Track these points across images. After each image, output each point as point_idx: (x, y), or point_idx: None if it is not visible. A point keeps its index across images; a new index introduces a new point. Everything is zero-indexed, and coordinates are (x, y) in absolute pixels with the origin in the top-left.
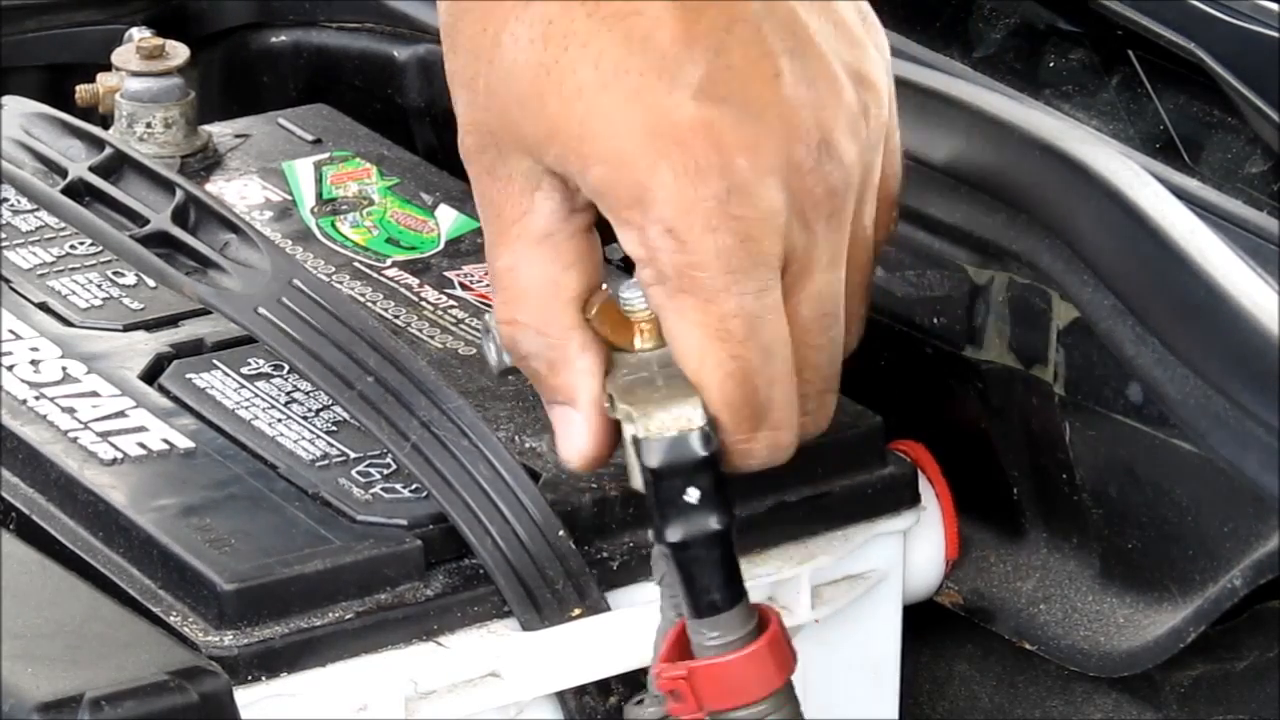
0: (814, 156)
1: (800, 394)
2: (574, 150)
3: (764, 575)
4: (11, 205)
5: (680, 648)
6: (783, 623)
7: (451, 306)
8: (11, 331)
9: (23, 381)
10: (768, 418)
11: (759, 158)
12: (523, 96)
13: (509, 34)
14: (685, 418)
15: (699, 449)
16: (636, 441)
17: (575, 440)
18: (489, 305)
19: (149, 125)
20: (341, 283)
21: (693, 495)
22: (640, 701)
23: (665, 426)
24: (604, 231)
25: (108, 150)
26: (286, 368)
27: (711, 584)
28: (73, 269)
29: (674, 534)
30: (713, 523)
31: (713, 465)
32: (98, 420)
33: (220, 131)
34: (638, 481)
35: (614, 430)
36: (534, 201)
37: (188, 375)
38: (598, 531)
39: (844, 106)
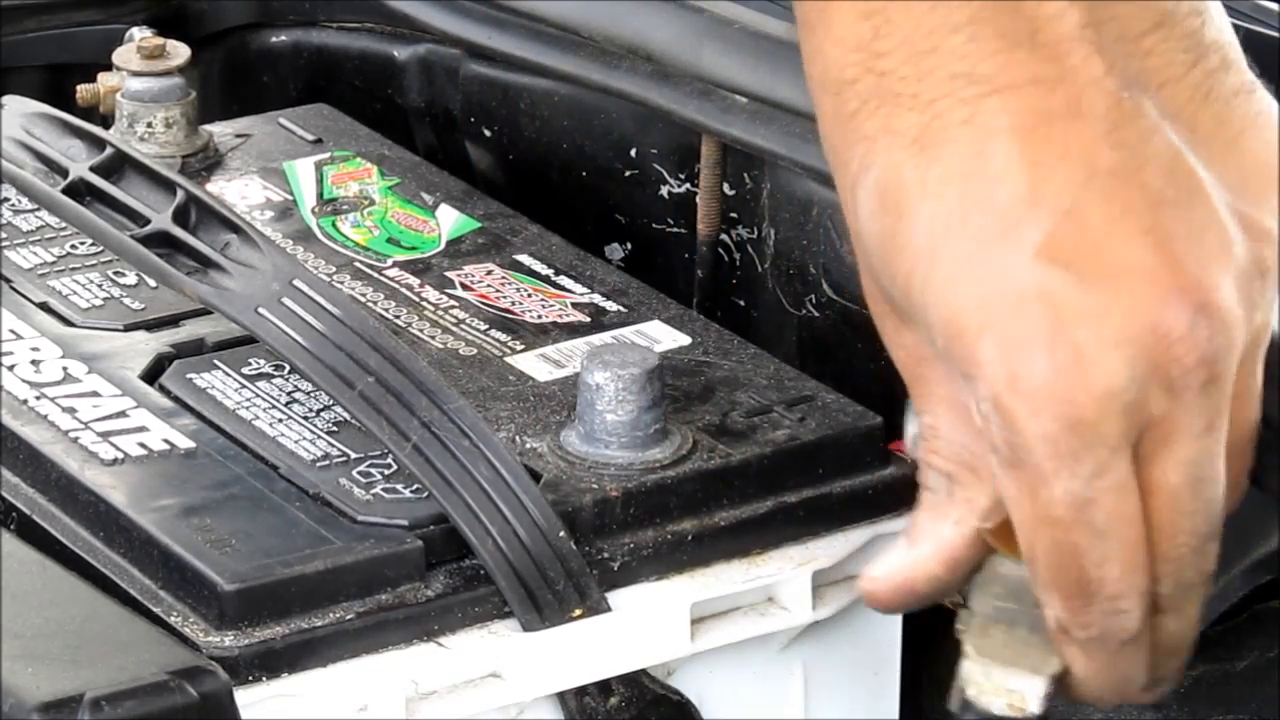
0: (1186, 321)
1: (1173, 556)
2: (922, 320)
3: (764, 575)
4: (12, 205)
5: None
6: None
7: (452, 307)
8: (12, 331)
9: (23, 381)
10: (1100, 595)
11: (1104, 329)
12: (878, 266)
13: (857, 198)
14: (1020, 695)
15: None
16: (963, 694)
17: (881, 566)
18: (490, 306)
19: (150, 125)
20: (342, 283)
21: None
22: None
23: (996, 690)
24: None
25: (108, 150)
26: (287, 368)
27: None
28: (73, 269)
29: None
30: None
31: None
32: (98, 420)
33: (221, 131)
34: (955, 705)
35: (922, 583)
36: (936, 367)
37: (188, 375)
38: (599, 532)
39: (1233, 261)
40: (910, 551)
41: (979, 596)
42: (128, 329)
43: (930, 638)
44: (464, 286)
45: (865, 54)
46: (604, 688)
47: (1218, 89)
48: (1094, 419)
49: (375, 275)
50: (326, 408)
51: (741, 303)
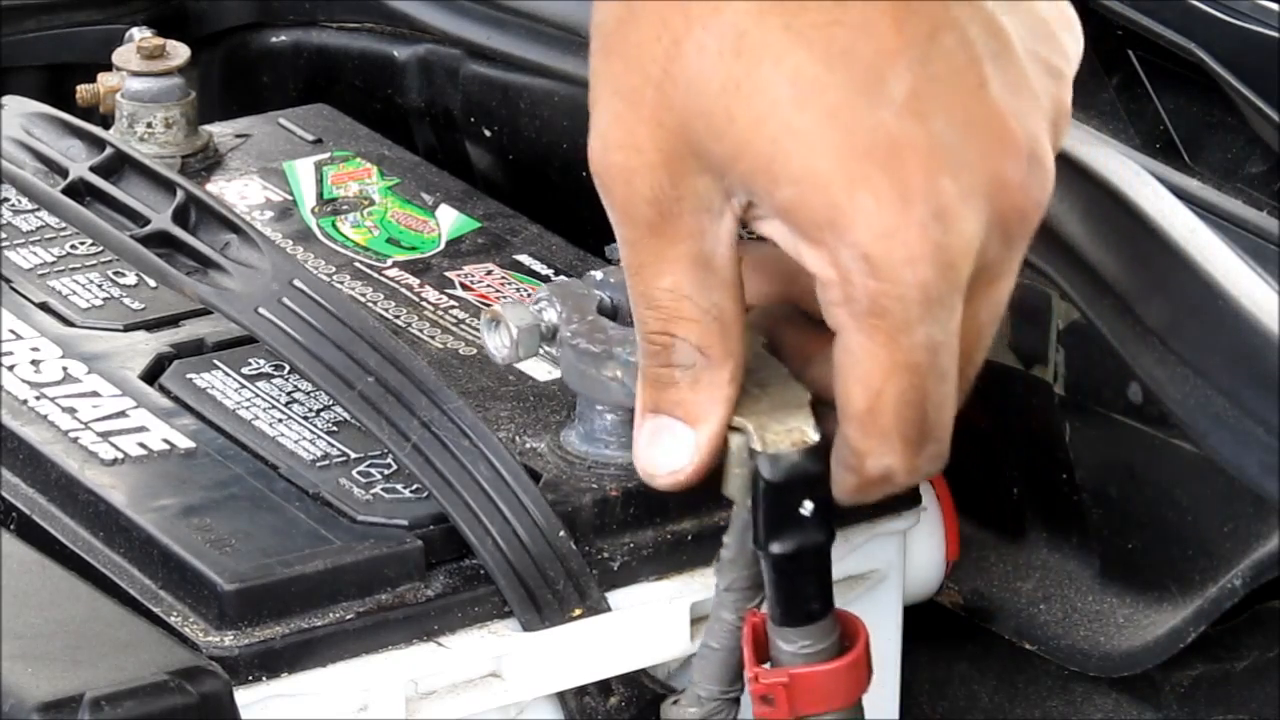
0: (1023, 170)
1: (963, 388)
2: (763, 169)
3: None
4: (12, 205)
5: (759, 653)
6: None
7: (452, 307)
8: (12, 331)
9: (23, 381)
10: (934, 435)
11: (966, 178)
12: (707, 112)
13: (693, 44)
14: (799, 430)
15: (816, 464)
16: (752, 453)
17: (678, 457)
18: (489, 305)
19: (149, 125)
20: (342, 283)
21: (808, 508)
22: (676, 701)
23: (783, 439)
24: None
25: (108, 150)
26: (287, 368)
27: (812, 593)
28: (73, 269)
29: (784, 545)
30: (822, 534)
31: (825, 479)
32: (98, 420)
33: (221, 131)
34: (733, 488)
35: (721, 449)
36: (703, 223)
37: (188, 375)
38: (598, 532)
39: (1043, 111)
40: (703, 430)
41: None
42: (128, 329)
43: (929, 638)
44: (464, 286)
45: None
46: (604, 688)
47: None
48: (959, 264)
49: (375, 275)
50: (326, 408)
51: None
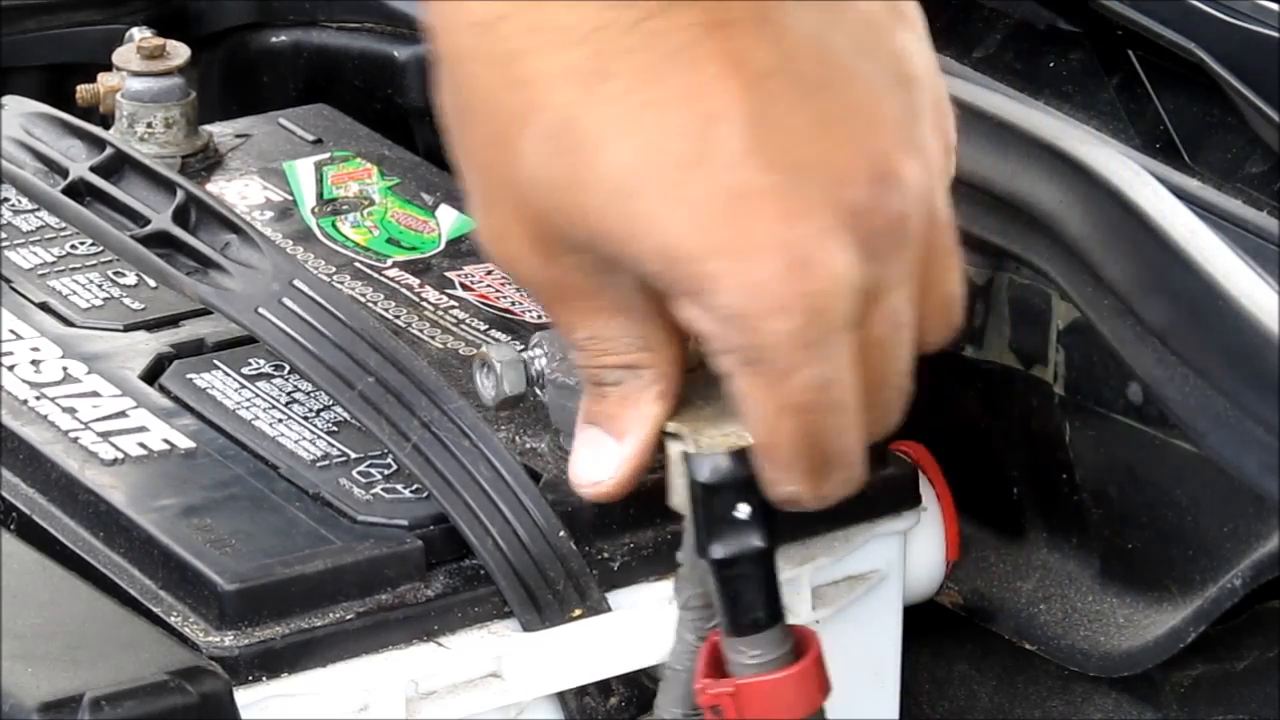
0: (870, 193)
1: (883, 399)
2: (621, 250)
3: None
4: (12, 205)
5: (714, 667)
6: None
7: (452, 307)
8: (12, 331)
9: (23, 381)
10: (840, 463)
11: (819, 216)
12: (554, 207)
13: (524, 144)
14: (736, 434)
15: (750, 467)
16: (686, 458)
17: (601, 469)
18: (490, 306)
19: (150, 125)
20: (342, 283)
21: (743, 511)
22: None
23: (717, 443)
24: None
25: (108, 150)
26: (287, 368)
27: (755, 601)
28: (73, 269)
29: (722, 550)
30: (761, 539)
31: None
32: (98, 420)
33: (221, 131)
34: (678, 499)
35: (647, 464)
36: (598, 284)
37: (188, 375)
38: (598, 532)
39: (890, 124)
40: (628, 443)
41: None
42: (128, 329)
43: (929, 638)
44: (464, 286)
45: None
46: (604, 688)
47: None
48: (830, 306)
49: (375, 275)
50: (326, 408)
51: None
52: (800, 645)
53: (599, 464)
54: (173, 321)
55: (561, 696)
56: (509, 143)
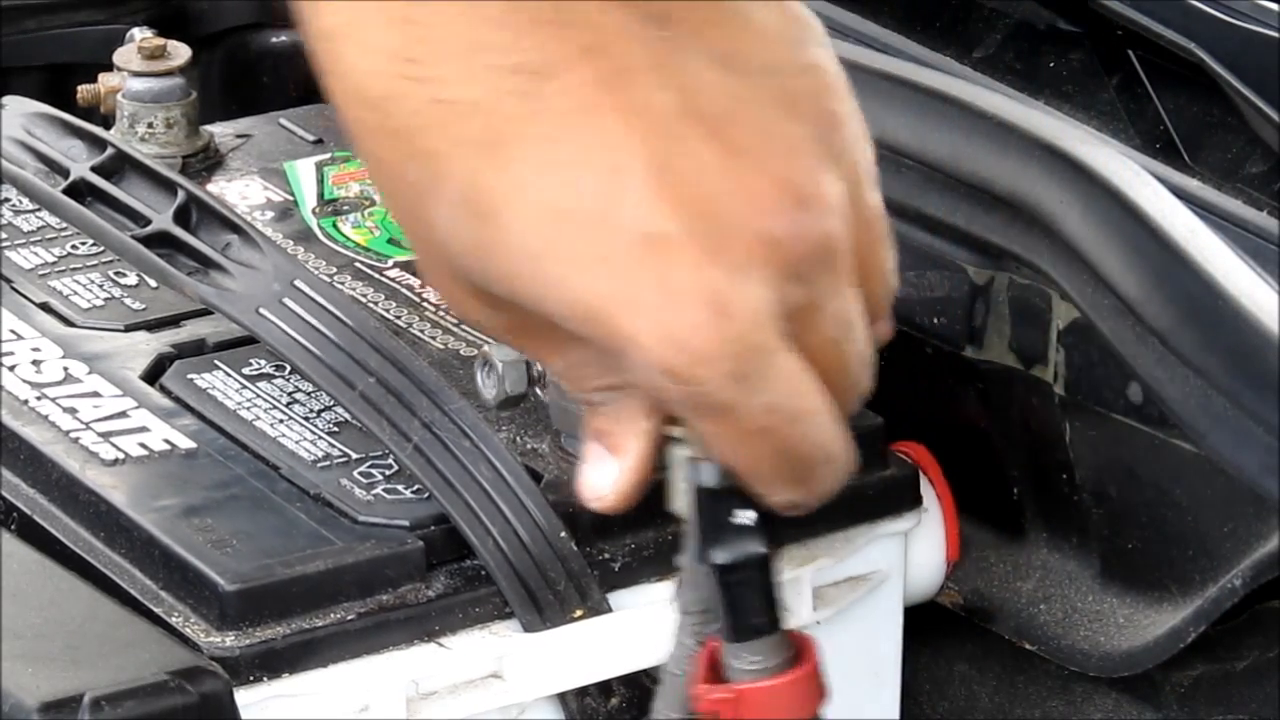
0: (789, 220)
1: (848, 385)
2: (548, 311)
3: None
4: (13, 205)
5: (712, 672)
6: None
7: None
8: (13, 331)
9: (24, 382)
10: (823, 459)
11: (732, 253)
12: (475, 270)
13: (434, 212)
14: None
15: None
16: (688, 463)
17: (602, 483)
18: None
19: (150, 125)
20: (343, 283)
21: (744, 517)
22: None
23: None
24: None
25: (109, 150)
26: (288, 368)
27: (756, 607)
28: (74, 269)
29: (723, 555)
30: (763, 545)
31: None
32: (99, 420)
33: (221, 132)
34: (680, 503)
35: (647, 476)
36: (554, 323)
37: (189, 376)
38: (599, 532)
39: (801, 143)
40: (624, 458)
41: None
42: (128, 329)
43: (929, 638)
44: None
45: (402, 62)
46: (605, 688)
47: None
48: (756, 342)
49: (376, 276)
50: (327, 408)
51: None
52: (799, 651)
53: (601, 479)
54: (174, 322)
55: (562, 697)
56: (420, 213)
